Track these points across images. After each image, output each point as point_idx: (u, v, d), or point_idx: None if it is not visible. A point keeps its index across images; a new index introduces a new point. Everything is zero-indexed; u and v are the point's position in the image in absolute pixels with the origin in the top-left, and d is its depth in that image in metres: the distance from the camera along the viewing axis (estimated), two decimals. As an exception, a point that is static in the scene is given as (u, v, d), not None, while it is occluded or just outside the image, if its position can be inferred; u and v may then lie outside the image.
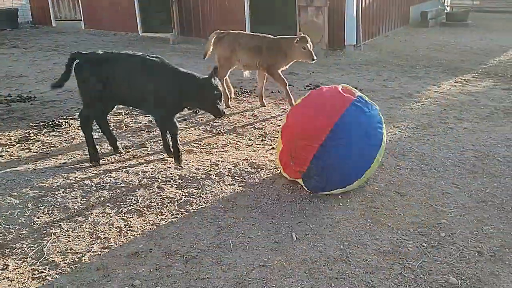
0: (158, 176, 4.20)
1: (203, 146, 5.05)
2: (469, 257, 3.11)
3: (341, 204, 3.80)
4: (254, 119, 5.98)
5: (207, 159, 4.43)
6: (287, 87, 6.18)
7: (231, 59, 6.16)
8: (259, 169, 4.36)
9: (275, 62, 6.07)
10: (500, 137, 5.18)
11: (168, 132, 4.44)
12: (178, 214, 3.61)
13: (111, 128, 4.84)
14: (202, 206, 3.72)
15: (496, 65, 9.01)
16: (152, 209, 3.66)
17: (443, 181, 4.17)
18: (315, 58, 5.84)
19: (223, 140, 5.20)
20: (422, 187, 4.07)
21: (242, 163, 4.48)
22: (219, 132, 5.46)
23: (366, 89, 7.21)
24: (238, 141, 5.20)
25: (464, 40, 11.76)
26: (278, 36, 6.24)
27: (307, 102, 4.04)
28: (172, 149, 4.46)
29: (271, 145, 5.04)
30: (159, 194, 3.88)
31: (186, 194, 3.90)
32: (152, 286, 2.81)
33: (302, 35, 6.03)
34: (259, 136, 5.30)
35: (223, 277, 2.90)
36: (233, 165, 4.43)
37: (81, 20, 14.06)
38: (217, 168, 4.35)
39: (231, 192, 3.97)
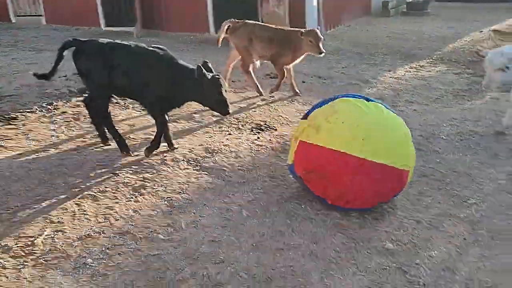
0: (114, 162, 4.27)
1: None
2: (407, 225, 3.33)
3: (291, 183, 3.95)
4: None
5: (163, 145, 4.51)
6: (282, 81, 6.27)
7: (248, 49, 6.22)
8: (214, 154, 4.47)
9: (282, 53, 6.07)
10: (446, 117, 5.45)
11: (156, 125, 4.34)
12: (132, 198, 3.69)
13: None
14: (157, 189, 3.82)
15: (451, 52, 9.36)
16: (107, 194, 3.73)
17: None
18: (323, 51, 5.71)
19: (180, 127, 5.28)
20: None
21: (198, 148, 4.59)
22: (176, 120, 5.54)
23: (324, 76, 7.42)
24: (195, 128, 5.29)
25: (423, 28, 12.12)
26: (290, 28, 6.29)
27: None
28: (153, 140, 4.33)
29: (227, 131, 5.16)
30: (114, 180, 3.95)
31: (141, 179, 3.98)
32: (104, 264, 2.90)
33: (310, 28, 5.97)
34: (215, 123, 5.41)
35: (174, 252, 3.01)
36: (189, 150, 4.54)
37: (42, 15, 13.79)
38: (172, 154, 4.44)
39: (185, 175, 4.07)
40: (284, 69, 6.16)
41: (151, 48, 4.21)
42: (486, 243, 3.11)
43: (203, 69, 3.96)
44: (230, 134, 5.04)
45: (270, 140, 4.89)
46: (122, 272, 2.82)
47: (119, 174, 4.04)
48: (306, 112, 3.76)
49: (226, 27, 6.22)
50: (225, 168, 4.21)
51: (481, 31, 11.33)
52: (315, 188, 3.48)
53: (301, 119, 3.75)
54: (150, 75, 4.12)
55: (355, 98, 3.52)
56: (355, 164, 3.22)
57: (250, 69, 6.32)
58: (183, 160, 4.33)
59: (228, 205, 3.61)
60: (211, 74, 4.02)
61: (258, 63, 6.51)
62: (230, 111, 4.20)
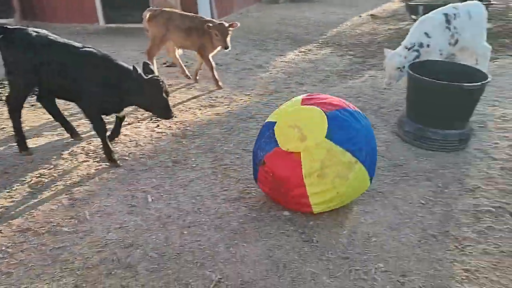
0: (6, 161, 4.05)
1: (54, 128, 4.94)
2: (302, 193, 3.66)
3: (194, 165, 4.11)
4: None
5: (57, 141, 4.37)
6: (214, 71, 6.24)
7: (163, 38, 6.10)
8: (113, 144, 4.45)
9: (205, 44, 6.02)
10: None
11: (95, 131, 4.09)
12: (29, 195, 3.57)
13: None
14: (56, 184, 3.73)
15: (334, 36, 10.10)
16: (0, 194, 3.56)
17: (283, 136, 4.73)
18: (228, 46, 5.71)
19: (75, 122, 5.13)
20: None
21: (96, 140, 4.52)
22: (73, 113, 5.37)
23: (220, 63, 7.60)
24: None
25: (309, 14, 12.86)
26: (208, 19, 6.17)
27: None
28: (105, 151, 4.10)
29: (126, 121, 5.12)
30: (7, 179, 3.77)
31: (37, 175, 3.85)
32: (6, 262, 2.82)
33: (220, 22, 5.90)
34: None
35: (80, 242, 3.02)
36: (87, 143, 4.46)
37: None
38: (69, 147, 4.34)
39: (85, 168, 4.02)
40: (211, 60, 6.21)
41: (88, 48, 3.99)
42: (366, 201, 3.55)
43: (139, 70, 3.77)
44: (129, 124, 5.02)
45: (170, 127, 4.97)
46: (27, 268, 2.78)
47: (12, 172, 3.86)
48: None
49: (147, 15, 6.16)
50: (126, 158, 4.22)
51: (360, 16, 12.35)
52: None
53: None
54: (88, 76, 3.86)
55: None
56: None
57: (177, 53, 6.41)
58: (81, 153, 4.26)
59: (133, 192, 3.66)
60: (149, 76, 3.81)
61: (180, 51, 6.53)
62: (173, 114, 4.00)
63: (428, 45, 5.13)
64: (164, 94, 3.85)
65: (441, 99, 4.20)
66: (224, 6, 11.66)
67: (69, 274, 2.75)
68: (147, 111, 4.04)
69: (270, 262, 2.85)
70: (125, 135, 4.69)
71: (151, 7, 6.40)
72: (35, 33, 3.94)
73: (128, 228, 3.18)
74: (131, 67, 3.77)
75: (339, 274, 2.74)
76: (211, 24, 5.79)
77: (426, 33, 5.16)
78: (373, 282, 2.67)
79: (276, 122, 3.30)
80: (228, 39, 5.79)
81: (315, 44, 9.24)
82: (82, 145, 4.38)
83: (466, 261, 2.84)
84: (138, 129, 4.87)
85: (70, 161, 4.10)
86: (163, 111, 3.89)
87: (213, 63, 6.26)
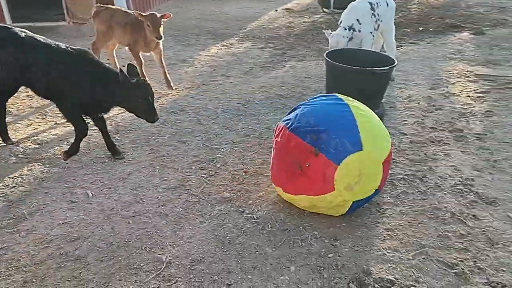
0: None
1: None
2: (238, 177, 3.90)
3: (131, 159, 4.17)
4: (30, 99, 5.75)
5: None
6: (142, 68, 6.09)
7: (107, 34, 6.00)
8: (44, 144, 4.37)
9: (136, 39, 5.88)
10: (257, 86, 6.26)
11: (75, 131, 4.02)
12: (-41, 200, 3.44)
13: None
14: (-13, 188, 3.62)
15: (253, 29, 10.43)
16: None
17: (216, 125, 4.93)
18: (160, 36, 5.62)
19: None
20: (200, 133, 4.74)
21: (24, 141, 4.41)
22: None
23: (144, 58, 7.57)
24: (13, 121, 4.99)
25: (227, 9, 13.09)
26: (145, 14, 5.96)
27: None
28: (73, 144, 4.08)
29: (53, 121, 5.02)
30: None
31: (-35, 180, 3.71)
32: None
33: (152, 12, 5.75)
34: (39, 115, 5.18)
35: (23, 241, 3.00)
36: (14, 145, 4.33)
37: None
38: (-4, 150, 4.19)
39: (16, 169, 3.92)
40: (141, 56, 6.11)
41: (74, 49, 3.87)
42: (299, 179, 3.87)
43: (126, 73, 3.74)
44: (57, 124, 4.92)
45: (100, 124, 4.96)
46: (-31, 271, 2.72)
47: None
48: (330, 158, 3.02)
49: (92, 11, 6.11)
50: (59, 156, 4.17)
51: (276, 10, 12.82)
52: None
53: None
54: (75, 77, 3.77)
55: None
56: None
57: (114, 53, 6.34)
58: (9, 155, 4.13)
59: (71, 189, 3.66)
60: (135, 79, 3.78)
61: (127, 48, 6.37)
62: (158, 117, 3.94)
63: (359, 30, 5.61)
64: (149, 98, 3.84)
65: (356, 83, 4.64)
66: (140, 2, 11.51)
67: (16, 271, 2.74)
68: (131, 112, 4.00)
69: (216, 240, 3.05)
70: (54, 134, 4.61)
71: (97, 4, 6.30)
72: (20, 31, 3.87)
73: (72, 223, 3.21)
74: (118, 70, 3.74)
75: (280, 244, 3.01)
76: (143, 14, 5.69)
77: (357, 20, 5.65)
78: (309, 247, 2.98)
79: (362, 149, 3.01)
80: (161, 29, 5.70)
81: (236, 38, 9.50)
82: (10, 147, 4.25)
83: (387, 222, 3.24)
84: (69, 127, 4.79)
85: (-2, 164, 3.97)
86: (148, 113, 3.88)
87: (142, 60, 6.22)
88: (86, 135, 4.04)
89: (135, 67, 3.92)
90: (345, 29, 5.57)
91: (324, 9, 11.54)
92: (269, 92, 5.97)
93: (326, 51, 5.22)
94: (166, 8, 12.78)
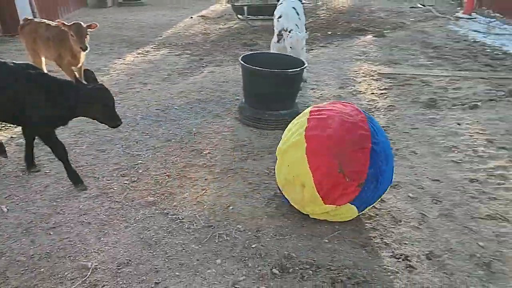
0: None
1: None
2: (162, 181, 3.94)
3: (48, 171, 4.04)
4: None
5: None
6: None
7: (34, 48, 5.68)
8: (-51, 161, 4.10)
9: (62, 53, 5.54)
10: (176, 91, 6.31)
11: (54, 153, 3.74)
12: None
13: None
14: None
15: (169, 36, 10.43)
16: None
17: (135, 132, 4.92)
18: (85, 46, 5.28)
19: None
20: (119, 141, 4.70)
21: None
22: None
23: (56, 69, 7.28)
24: None
25: (141, 17, 12.94)
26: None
27: (321, 118, 3.22)
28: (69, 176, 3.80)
29: (-43, 136, 4.70)
30: None
31: None
32: None
33: (76, 22, 5.43)
34: None
35: None
36: None
37: None
38: None
39: None
40: (71, 69, 5.75)
41: (21, 64, 3.59)
42: (221, 178, 4.00)
43: (82, 81, 3.58)
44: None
45: (12, 137, 4.72)
46: None
47: None
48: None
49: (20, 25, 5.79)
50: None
51: (191, 17, 12.91)
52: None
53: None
54: (32, 97, 3.49)
55: None
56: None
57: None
58: None
59: (-17, 206, 3.48)
60: (92, 85, 3.60)
61: None
62: (120, 122, 3.73)
63: (291, 30, 6.05)
64: (110, 102, 3.67)
65: (271, 84, 4.89)
66: (47, 11, 11.02)
67: None
68: (93, 119, 3.78)
69: (142, 243, 3.08)
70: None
71: (25, 17, 5.93)
72: None
73: (-13, 240, 3.07)
74: (74, 80, 3.57)
75: (206, 240, 3.12)
76: (66, 23, 5.42)
77: (296, 24, 6.16)
78: (234, 240, 3.12)
79: None
80: (86, 39, 5.40)
81: (152, 46, 9.45)
82: None
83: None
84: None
85: None
86: (110, 118, 3.70)
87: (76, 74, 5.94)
88: (67, 153, 3.78)
89: (93, 72, 3.75)
90: (288, 29, 6.09)
91: (239, 16, 11.84)
92: (188, 97, 6.05)
93: (242, 55, 5.42)
94: (74, 17, 12.33)
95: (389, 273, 2.80)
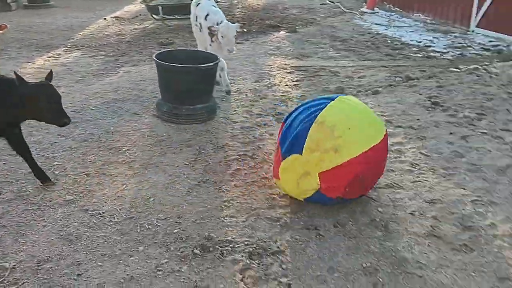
0: None
1: None
2: (80, 180, 3.92)
3: (-46, 180, 3.87)
4: None
5: None
6: None
7: None
8: None
9: None
10: (91, 92, 6.21)
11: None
12: None
13: None
14: None
15: (82, 38, 10.11)
16: None
17: (50, 135, 4.80)
18: None
19: None
20: (33, 145, 4.53)
21: None
22: None
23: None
24: None
25: (50, 20, 12.36)
26: None
27: None
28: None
29: None
30: None
31: None
32: None
33: None
34: None
35: None
36: None
37: None
38: None
39: None
40: None
41: None
42: (141, 173, 4.06)
43: (22, 78, 3.30)
44: None
45: None
46: None
47: None
48: (282, 152, 3.41)
49: None
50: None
51: (105, 19, 12.58)
52: (355, 194, 3.43)
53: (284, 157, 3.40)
54: None
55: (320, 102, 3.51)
56: (374, 153, 3.29)
57: None
58: None
59: None
60: (33, 82, 3.38)
61: None
62: (67, 120, 3.51)
63: (221, 21, 5.98)
64: (54, 98, 3.45)
65: (186, 80, 5.02)
66: None
67: None
68: (39, 120, 3.59)
69: (62, 240, 3.09)
70: None
71: None
72: None
73: None
74: (14, 76, 3.31)
75: (128, 231, 3.19)
76: None
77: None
78: (156, 228, 3.23)
79: None
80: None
81: (64, 48, 9.13)
82: None
83: (224, 196, 3.67)
84: None
85: None
86: (56, 116, 3.48)
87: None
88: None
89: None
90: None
91: (154, 16, 11.75)
92: (104, 98, 5.99)
93: (156, 53, 5.48)
94: (-23, 21, 11.53)
95: (300, 242, 3.07)
